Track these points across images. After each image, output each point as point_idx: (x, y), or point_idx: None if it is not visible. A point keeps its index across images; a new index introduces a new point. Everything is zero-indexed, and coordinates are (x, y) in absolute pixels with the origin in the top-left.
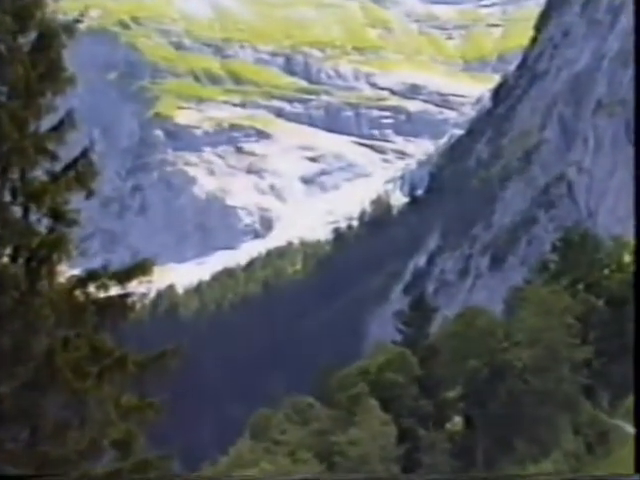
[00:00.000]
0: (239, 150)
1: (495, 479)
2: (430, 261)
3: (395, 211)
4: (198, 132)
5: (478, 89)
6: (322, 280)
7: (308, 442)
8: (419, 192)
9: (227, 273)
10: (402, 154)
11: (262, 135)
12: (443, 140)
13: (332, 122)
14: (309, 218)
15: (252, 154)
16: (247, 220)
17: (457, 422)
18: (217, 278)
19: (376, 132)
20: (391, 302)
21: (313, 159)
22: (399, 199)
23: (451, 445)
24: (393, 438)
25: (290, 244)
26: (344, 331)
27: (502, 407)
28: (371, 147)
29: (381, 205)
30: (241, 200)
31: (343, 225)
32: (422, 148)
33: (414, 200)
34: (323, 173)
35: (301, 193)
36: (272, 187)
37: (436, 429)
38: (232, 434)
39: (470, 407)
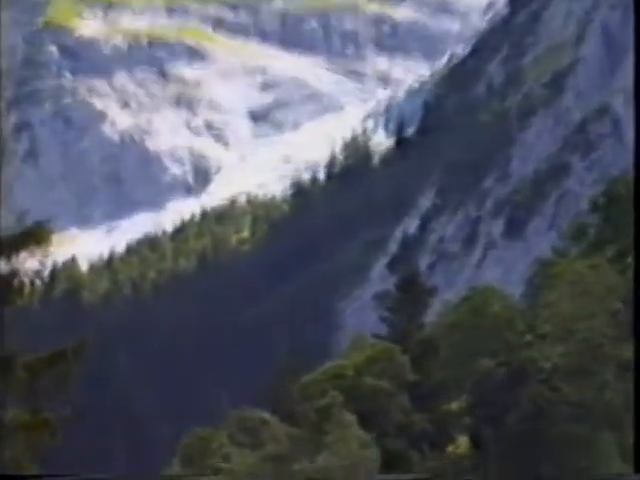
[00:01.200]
0: (164, 74)
1: None
2: (423, 226)
3: (376, 158)
4: (107, 49)
5: None
6: (277, 252)
7: (261, 471)
8: (409, 131)
9: (148, 243)
10: (386, 80)
11: (195, 54)
12: (441, 61)
13: (290, 36)
14: (259, 167)
15: (181, 80)
16: (175, 170)
17: (462, 443)
18: (135, 249)
19: (350, 50)
20: (371, 281)
21: (265, 87)
22: (382, 141)
23: (454, 474)
24: (376, 465)
25: (234, 203)
26: (308, 321)
27: (523, 423)
28: (344, 71)
29: (357, 149)
30: (167, 143)
31: (305, 177)
32: (413, 72)
33: (402, 142)
34: (278, 106)
35: (248, 133)
36: (209, 125)
37: (434, 453)
38: (155, 460)
39: (480, 423)
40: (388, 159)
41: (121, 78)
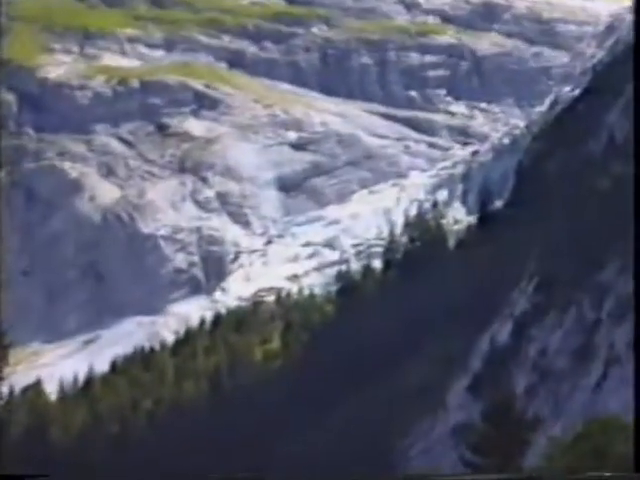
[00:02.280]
0: (162, 129)
1: None
2: (519, 333)
3: (451, 240)
4: (83, 96)
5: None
6: (317, 370)
7: None
8: (496, 204)
9: (141, 360)
10: (464, 134)
11: (204, 101)
12: (541, 107)
13: (334, 75)
14: (292, 255)
15: (186, 137)
16: (178, 260)
17: None
18: (122, 369)
19: (415, 94)
20: (447, 410)
21: (299, 146)
22: (459, 218)
23: None
24: None
25: (258, 304)
26: (359, 463)
27: None
28: (406, 122)
29: (426, 229)
30: (167, 223)
31: (355, 267)
32: (502, 122)
33: (487, 219)
34: (318, 172)
35: (277, 209)
36: (224, 199)
37: None
38: None
39: None
40: (468, 242)
41: (103, 136)
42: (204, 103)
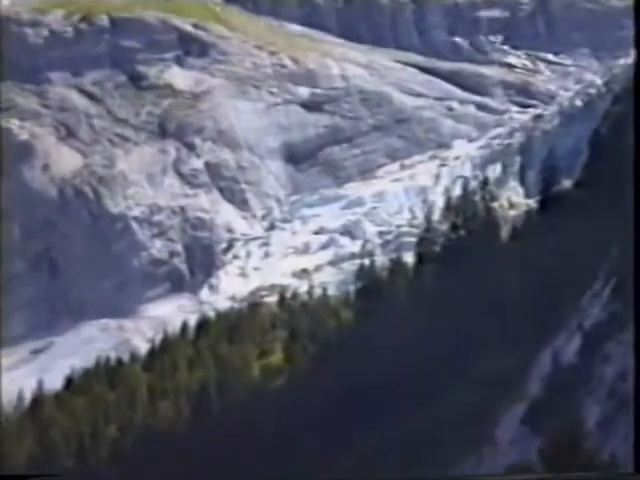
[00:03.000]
0: (138, 81)
1: None
2: (590, 349)
3: (505, 229)
4: (38, 35)
5: None
6: (331, 391)
7: None
8: (564, 184)
9: (105, 374)
10: (525, 93)
11: (192, 45)
12: (626, 59)
13: (358, 17)
14: (300, 245)
15: (168, 92)
16: (156, 250)
17: None
18: (81, 386)
19: (462, 41)
20: (498, 445)
21: (313, 106)
22: (515, 200)
23: None
24: None
25: (256, 306)
26: None
27: None
28: (450, 77)
29: (472, 214)
30: (143, 201)
31: (381, 261)
32: (573, 77)
33: (552, 203)
34: (335, 138)
35: (284, 186)
36: (215, 171)
37: None
38: None
39: None
40: (526, 232)
41: (61, 87)
42: (191, 48)
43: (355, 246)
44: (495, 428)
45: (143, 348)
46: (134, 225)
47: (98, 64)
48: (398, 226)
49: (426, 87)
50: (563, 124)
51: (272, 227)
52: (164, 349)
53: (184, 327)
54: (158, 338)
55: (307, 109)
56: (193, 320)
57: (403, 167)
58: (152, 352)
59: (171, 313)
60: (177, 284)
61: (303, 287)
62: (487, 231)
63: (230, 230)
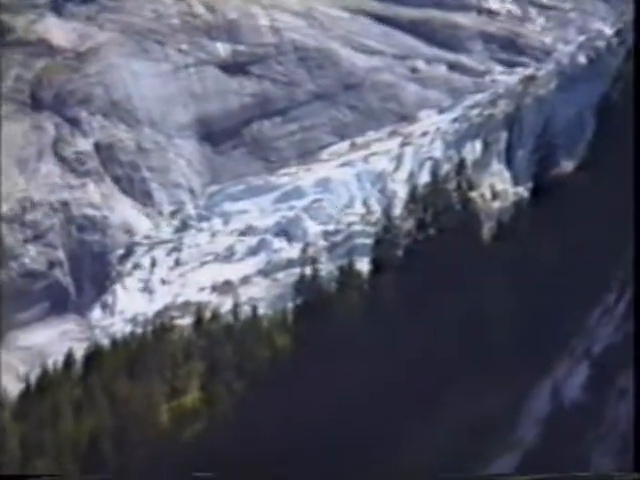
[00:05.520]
0: (1, 35)
1: None
2: (599, 382)
3: (488, 226)
4: None
5: None
6: (256, 443)
7: None
8: (564, 166)
9: None
10: (512, 48)
11: None
12: None
13: None
14: (221, 248)
15: (42, 49)
16: (30, 258)
17: None
18: None
19: None
20: None
21: (235, 68)
22: (501, 188)
23: None
24: None
25: (164, 331)
26: None
27: None
28: (414, 28)
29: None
30: (11, 194)
31: (326, 269)
32: (575, 27)
33: (548, 191)
34: (265, 110)
35: (199, 173)
36: (108, 155)
37: None
38: None
39: None
40: (514, 229)
41: None
42: None
43: (293, 250)
44: (488, 465)
45: (13, 389)
46: (1, 226)
47: None
48: (349, 224)
49: (383, 42)
50: (562, 88)
51: (184, 227)
52: (42, 390)
53: (69, 360)
54: (34, 375)
55: (227, 72)
56: (81, 350)
57: (354, 147)
58: (26, 394)
59: (51, 342)
60: (59, 303)
61: (226, 305)
62: (464, 229)
63: (129, 232)
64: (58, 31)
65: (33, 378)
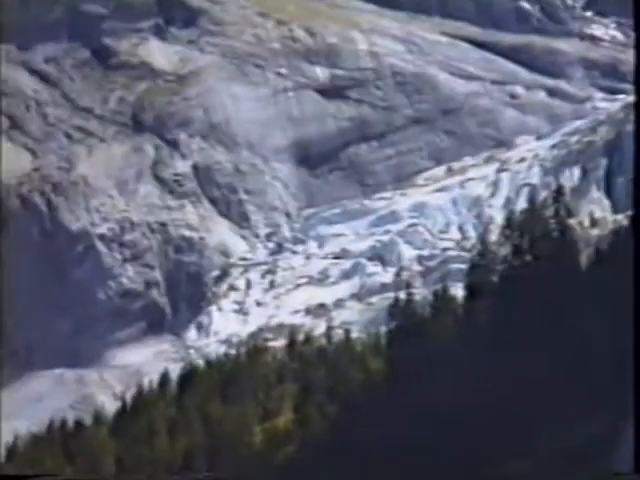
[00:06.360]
0: (104, 57)
1: None
2: None
3: (586, 254)
4: None
5: None
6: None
7: None
8: None
9: (62, 442)
10: (613, 74)
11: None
12: None
13: None
14: (316, 272)
15: (144, 71)
16: (128, 277)
17: None
18: (27, 458)
19: (531, 6)
20: None
21: (333, 92)
22: (600, 216)
23: None
24: None
25: (258, 352)
26: None
27: None
28: (514, 54)
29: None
30: (110, 214)
31: (420, 294)
32: None
33: None
34: (362, 134)
35: (294, 196)
36: (205, 177)
37: None
38: None
39: None
40: (614, 258)
41: (5, 64)
42: (175, 14)
43: (387, 275)
44: None
45: (110, 407)
46: (99, 246)
47: (52, 35)
48: (444, 249)
49: (482, 67)
50: None
51: (280, 250)
52: (138, 408)
53: (164, 380)
54: (130, 394)
55: (326, 96)
56: (176, 371)
57: (450, 172)
58: (122, 412)
59: (147, 361)
60: (155, 323)
61: (319, 328)
62: (561, 256)
63: (225, 253)
64: (160, 54)
65: (129, 397)
